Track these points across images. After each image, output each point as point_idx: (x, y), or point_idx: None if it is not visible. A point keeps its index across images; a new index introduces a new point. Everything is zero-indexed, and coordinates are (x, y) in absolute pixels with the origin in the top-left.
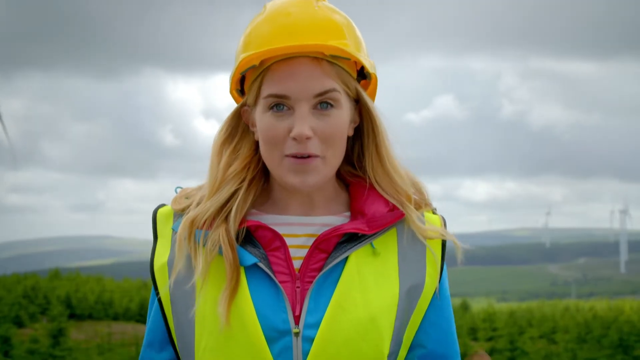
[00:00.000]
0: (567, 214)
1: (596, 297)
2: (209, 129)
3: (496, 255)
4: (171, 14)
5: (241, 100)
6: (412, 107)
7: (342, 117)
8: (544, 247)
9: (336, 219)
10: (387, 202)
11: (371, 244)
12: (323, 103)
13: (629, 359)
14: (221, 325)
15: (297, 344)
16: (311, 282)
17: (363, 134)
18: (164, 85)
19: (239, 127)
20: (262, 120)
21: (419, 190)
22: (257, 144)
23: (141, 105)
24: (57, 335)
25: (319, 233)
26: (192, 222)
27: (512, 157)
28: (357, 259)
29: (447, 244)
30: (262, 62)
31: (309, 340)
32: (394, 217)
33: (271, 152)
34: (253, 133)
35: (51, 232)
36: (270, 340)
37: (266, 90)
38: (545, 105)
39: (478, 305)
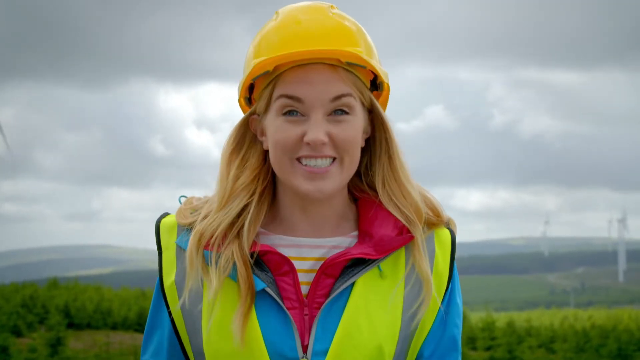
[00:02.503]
0: (562, 223)
1: (595, 307)
2: (200, 139)
3: (494, 264)
4: (156, 23)
5: (248, 109)
6: (402, 116)
7: (357, 124)
8: (542, 256)
9: (344, 240)
10: (395, 223)
11: (378, 267)
12: (338, 110)
13: None
14: (236, 344)
15: None
16: (319, 308)
17: (375, 145)
18: (154, 95)
19: (246, 136)
20: (273, 124)
21: (431, 205)
22: (265, 154)
23: (131, 114)
24: (56, 345)
25: (327, 256)
26: (200, 240)
27: (504, 167)
28: (364, 284)
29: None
30: (275, 68)
31: None
32: (402, 242)
33: (282, 157)
34: (261, 143)
35: (48, 241)
36: None
37: (278, 92)
38: (534, 115)
39: (476, 314)
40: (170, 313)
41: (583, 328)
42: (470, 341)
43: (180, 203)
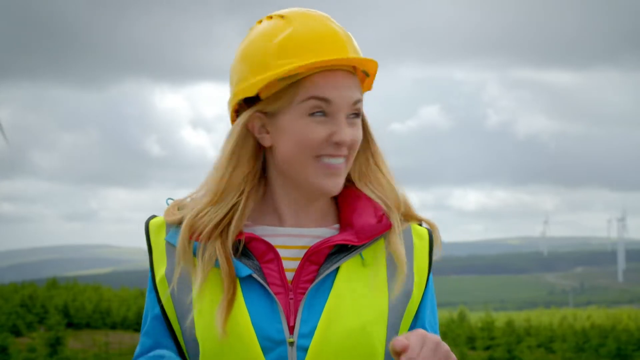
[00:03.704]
0: (560, 222)
1: (594, 306)
2: (196, 139)
3: (493, 264)
4: (151, 22)
5: (238, 107)
6: (397, 117)
7: (361, 126)
8: (541, 256)
9: (327, 231)
10: (375, 212)
11: (360, 255)
12: (353, 113)
13: None
14: (219, 335)
15: (292, 354)
16: (303, 293)
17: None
18: (150, 95)
19: (247, 136)
20: (297, 123)
21: (405, 202)
22: (257, 152)
23: (127, 114)
24: (55, 345)
25: (311, 245)
26: (191, 231)
27: (500, 167)
28: (348, 270)
29: (435, 253)
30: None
31: (303, 350)
32: (382, 229)
33: (303, 154)
34: (256, 140)
35: (47, 241)
36: (265, 350)
37: (307, 94)
38: (530, 115)
39: (476, 314)
40: (162, 306)
41: (582, 328)
42: (470, 341)
43: (168, 205)
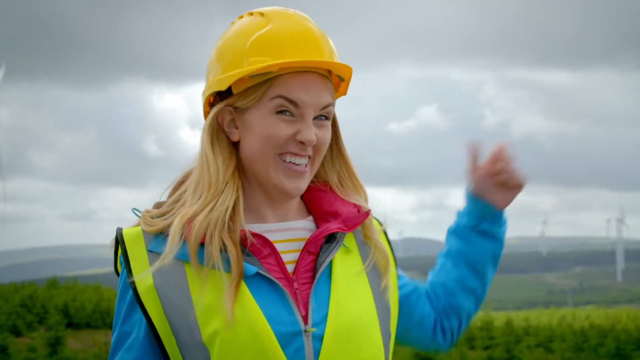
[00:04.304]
0: (559, 222)
1: (593, 306)
2: (194, 139)
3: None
4: (149, 23)
5: (211, 100)
6: (394, 117)
7: (330, 129)
8: (540, 255)
9: (307, 223)
10: (354, 204)
11: (343, 244)
12: (322, 115)
13: None
14: (228, 321)
15: (308, 343)
16: (304, 283)
17: (331, 146)
18: (148, 95)
19: (219, 129)
20: (264, 120)
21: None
22: (232, 145)
23: (125, 114)
24: (55, 344)
25: (298, 237)
26: (197, 237)
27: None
28: (340, 258)
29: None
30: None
31: (318, 339)
32: (363, 217)
33: (268, 150)
34: (227, 134)
35: (46, 241)
36: (283, 343)
37: (275, 93)
38: (526, 115)
39: (477, 314)
40: (148, 316)
41: (581, 328)
42: (469, 341)
43: (138, 214)
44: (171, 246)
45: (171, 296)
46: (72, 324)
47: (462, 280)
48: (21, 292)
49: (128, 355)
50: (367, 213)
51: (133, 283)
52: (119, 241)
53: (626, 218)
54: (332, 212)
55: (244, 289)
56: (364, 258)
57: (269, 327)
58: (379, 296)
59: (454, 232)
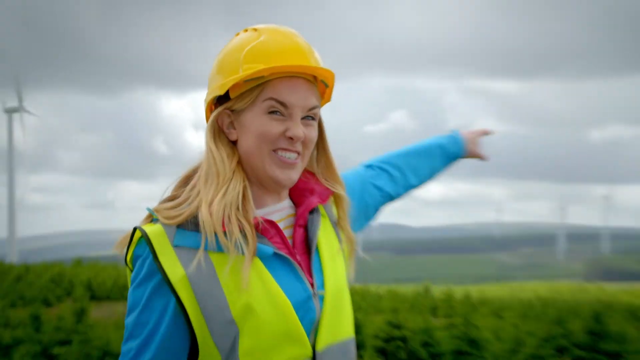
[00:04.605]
0: (509, 210)
1: (537, 281)
2: (198, 140)
3: (453, 245)
4: (158, 37)
5: (217, 104)
6: (370, 120)
7: (317, 128)
8: (493, 238)
9: (287, 202)
10: (325, 186)
11: (325, 212)
12: (309, 116)
13: (563, 331)
14: (243, 285)
15: (316, 304)
16: (303, 253)
17: (317, 143)
18: (156, 100)
19: (219, 130)
20: (258, 120)
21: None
22: (232, 144)
23: (137, 118)
24: (80, 314)
25: (286, 215)
26: (216, 224)
27: (459, 163)
28: (323, 235)
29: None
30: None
31: (321, 299)
32: (331, 192)
33: (261, 147)
34: (225, 134)
35: (71, 226)
36: (298, 308)
37: (267, 95)
38: (483, 118)
39: (438, 288)
40: (182, 303)
41: (527, 298)
42: (433, 310)
43: (152, 212)
44: (220, 237)
45: (202, 283)
46: (95, 297)
47: (431, 171)
48: (51, 270)
49: (151, 346)
50: (332, 192)
51: (165, 275)
52: (147, 239)
53: (566, 207)
54: (309, 188)
55: (263, 269)
56: (339, 238)
57: (286, 299)
58: (347, 269)
59: (439, 148)
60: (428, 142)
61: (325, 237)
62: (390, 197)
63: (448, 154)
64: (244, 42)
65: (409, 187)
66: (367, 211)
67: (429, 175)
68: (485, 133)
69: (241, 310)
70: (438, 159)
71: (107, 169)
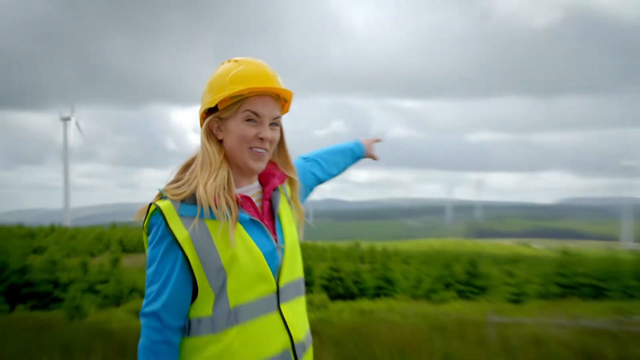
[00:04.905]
0: (413, 189)
1: (432, 238)
2: (197, 140)
3: (375, 214)
4: (171, 65)
5: (205, 115)
6: (317, 127)
7: (279, 131)
8: (403, 209)
9: (257, 183)
10: (282, 172)
11: (283, 194)
12: (274, 122)
13: (449, 272)
14: (230, 242)
15: (279, 254)
16: (268, 219)
17: (279, 141)
18: (168, 112)
19: (210, 132)
20: (238, 126)
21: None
22: (219, 142)
23: (155, 124)
24: (115, 262)
25: (256, 191)
26: (208, 197)
27: (381, 158)
28: (282, 206)
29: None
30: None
31: (282, 251)
32: (286, 176)
33: (241, 145)
34: (215, 136)
35: (109, 201)
36: (267, 257)
37: (245, 108)
38: (395, 127)
39: (365, 243)
40: (186, 256)
41: (426, 250)
42: (361, 259)
43: (162, 191)
44: (213, 208)
45: (200, 242)
46: (125, 250)
47: (342, 165)
48: (94, 231)
49: (167, 289)
50: (287, 176)
51: (174, 237)
52: (159, 211)
53: (452, 187)
54: (272, 173)
55: (243, 230)
56: (292, 208)
57: (259, 251)
58: (298, 231)
59: (350, 150)
60: (343, 145)
61: (284, 208)
62: (320, 181)
63: (354, 155)
64: (228, 69)
65: (331, 175)
66: (306, 190)
67: (342, 168)
68: (377, 141)
69: (228, 260)
70: (349, 158)
71: (133, 161)
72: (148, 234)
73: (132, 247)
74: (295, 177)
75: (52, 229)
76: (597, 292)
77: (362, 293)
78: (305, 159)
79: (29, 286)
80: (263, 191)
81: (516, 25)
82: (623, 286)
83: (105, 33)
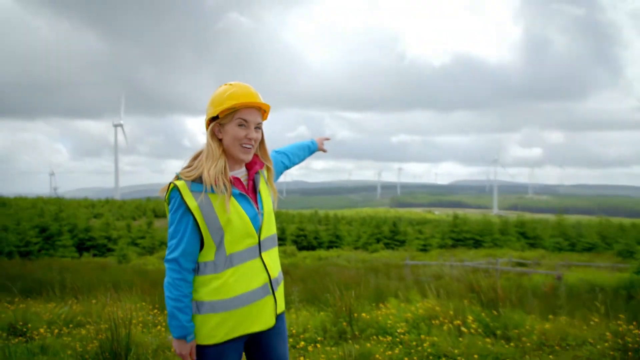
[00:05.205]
0: (355, 174)
1: (368, 207)
2: (203, 139)
3: (329, 191)
4: (189, 84)
5: (209, 122)
6: (287, 130)
7: (261, 133)
8: (348, 187)
9: (244, 169)
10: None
11: (262, 176)
12: (257, 127)
13: (379, 231)
14: (227, 210)
15: (260, 218)
16: (252, 194)
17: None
18: (184, 121)
19: (213, 133)
20: (233, 129)
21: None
22: (219, 140)
23: (174, 129)
24: (149, 224)
25: (243, 174)
26: (211, 177)
27: (329, 152)
28: (261, 186)
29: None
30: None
31: (262, 215)
32: (263, 164)
33: (234, 142)
34: (217, 135)
35: (145, 181)
36: (251, 220)
37: (238, 116)
38: (342, 131)
39: (321, 211)
40: (196, 219)
41: (363, 216)
42: (319, 222)
43: (178, 174)
44: (219, 189)
45: (205, 208)
46: (157, 215)
47: (302, 156)
48: (135, 202)
49: (183, 242)
50: (264, 164)
51: (187, 206)
52: (176, 187)
53: (381, 173)
54: (255, 162)
55: (235, 201)
56: (267, 186)
57: (246, 215)
58: (272, 202)
59: (307, 146)
60: (303, 143)
61: (262, 186)
62: (287, 168)
63: (310, 149)
64: (225, 90)
65: (294, 163)
66: (277, 174)
67: (302, 158)
68: (327, 139)
69: (225, 222)
70: (306, 152)
71: (161, 154)
72: (168, 204)
73: (161, 214)
74: (271, 166)
75: (107, 201)
76: (476, 243)
77: (320, 245)
78: (277, 152)
79: (91, 240)
80: (248, 174)
81: (421, 63)
82: (493, 239)
83: (139, 64)
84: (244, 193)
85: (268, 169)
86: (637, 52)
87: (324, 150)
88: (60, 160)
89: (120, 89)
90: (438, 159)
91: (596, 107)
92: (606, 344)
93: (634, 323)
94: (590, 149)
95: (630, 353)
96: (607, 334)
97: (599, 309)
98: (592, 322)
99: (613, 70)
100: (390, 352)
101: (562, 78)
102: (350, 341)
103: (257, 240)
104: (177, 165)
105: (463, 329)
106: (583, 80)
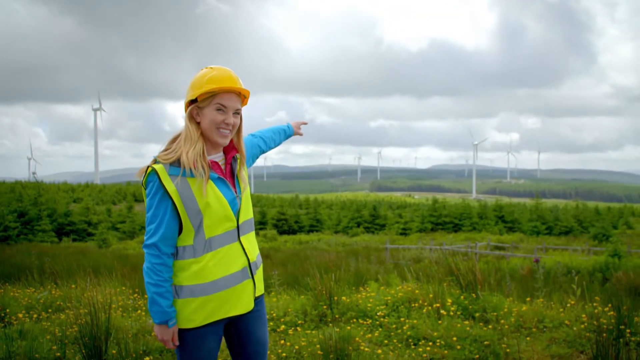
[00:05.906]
0: (334, 159)
1: (348, 192)
2: (182, 122)
3: (309, 175)
4: (167, 71)
5: (189, 105)
6: (267, 115)
7: (240, 119)
8: (328, 171)
9: (222, 153)
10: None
11: (238, 158)
12: (236, 112)
13: (359, 215)
14: (204, 193)
15: (238, 202)
16: (230, 178)
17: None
18: (165, 105)
19: (191, 116)
20: (211, 113)
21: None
22: (197, 123)
23: (156, 113)
24: (129, 208)
25: (221, 158)
26: (193, 162)
27: (308, 136)
28: (238, 170)
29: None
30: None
31: (240, 199)
32: (237, 150)
33: (213, 127)
34: (195, 119)
35: (124, 166)
36: (230, 203)
37: (216, 101)
38: (321, 115)
39: (302, 195)
40: (174, 203)
41: (343, 200)
42: (299, 206)
43: (156, 158)
44: (192, 169)
45: (184, 193)
46: (137, 200)
47: (278, 140)
48: (115, 187)
49: (162, 227)
50: (238, 150)
51: (166, 189)
52: (154, 171)
53: (361, 157)
54: (232, 147)
55: (213, 185)
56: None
57: (224, 199)
58: (247, 186)
59: (284, 130)
60: (279, 127)
61: (240, 171)
62: (263, 151)
63: (286, 134)
64: (205, 73)
65: (270, 147)
66: (253, 157)
67: (278, 143)
68: (304, 123)
69: (203, 205)
70: (282, 136)
71: (141, 138)
72: (146, 188)
73: (141, 198)
74: (243, 156)
75: (87, 185)
76: (455, 227)
77: (300, 229)
78: (253, 135)
79: (70, 225)
80: (226, 159)
81: (398, 49)
82: (472, 223)
83: (119, 49)
84: (222, 177)
85: (240, 157)
86: (610, 40)
87: (300, 134)
88: (39, 144)
89: (100, 74)
90: (417, 143)
91: (571, 94)
92: (582, 326)
93: (609, 305)
94: (566, 134)
95: (605, 334)
96: (583, 315)
97: (576, 291)
98: (568, 305)
99: (587, 57)
100: (370, 335)
101: (537, 64)
102: (330, 324)
103: (235, 224)
104: (157, 149)
105: (442, 311)
106: (558, 67)
